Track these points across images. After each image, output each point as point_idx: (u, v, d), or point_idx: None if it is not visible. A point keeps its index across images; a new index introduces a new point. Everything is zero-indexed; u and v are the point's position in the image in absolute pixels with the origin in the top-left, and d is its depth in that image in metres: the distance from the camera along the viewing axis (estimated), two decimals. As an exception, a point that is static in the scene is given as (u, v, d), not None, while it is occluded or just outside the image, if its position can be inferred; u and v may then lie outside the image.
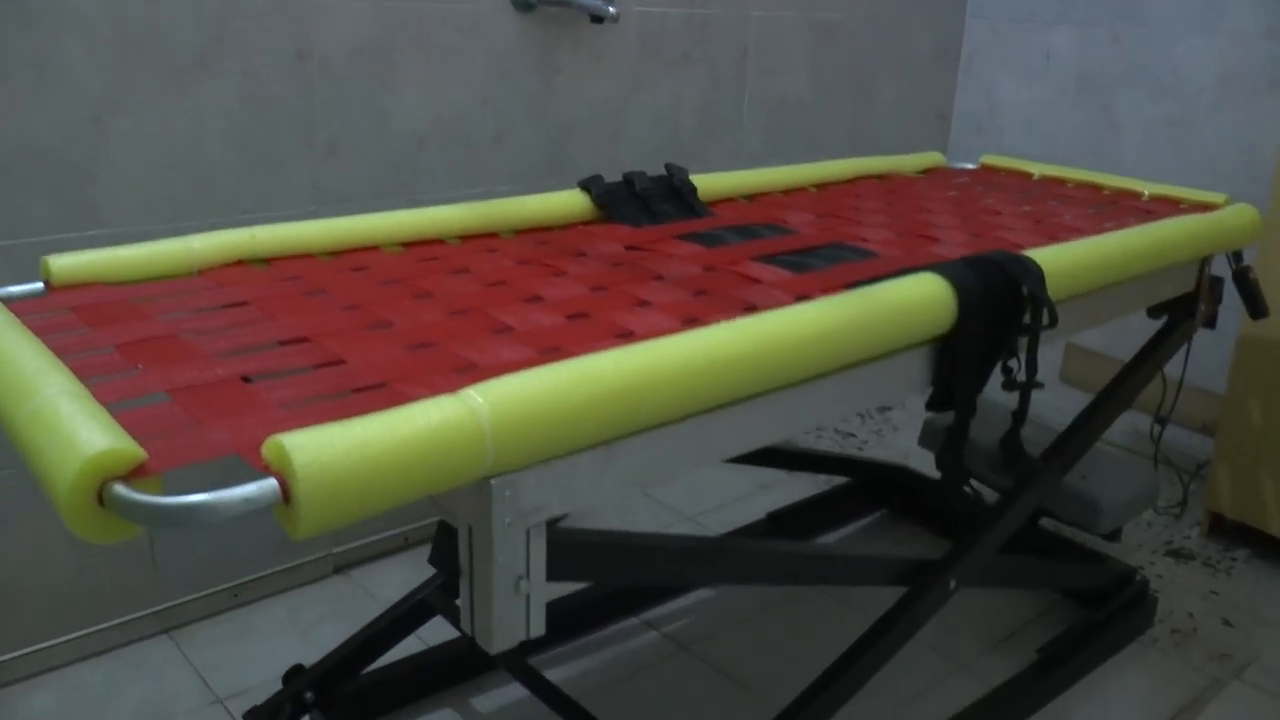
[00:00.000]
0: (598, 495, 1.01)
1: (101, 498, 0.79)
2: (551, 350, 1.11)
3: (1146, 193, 2.07)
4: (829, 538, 2.34)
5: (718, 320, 1.13)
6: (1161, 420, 2.78)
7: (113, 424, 0.85)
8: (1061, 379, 2.97)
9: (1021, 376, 1.40)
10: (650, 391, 0.99)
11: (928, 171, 2.25)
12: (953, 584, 1.55)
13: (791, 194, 1.96)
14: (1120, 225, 1.78)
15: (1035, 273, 1.38)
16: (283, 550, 2.10)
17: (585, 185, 1.73)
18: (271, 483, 0.81)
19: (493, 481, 0.93)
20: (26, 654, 1.84)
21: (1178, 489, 2.67)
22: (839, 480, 2.51)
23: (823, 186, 2.04)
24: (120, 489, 0.79)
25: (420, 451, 0.85)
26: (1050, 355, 3.00)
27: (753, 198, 1.92)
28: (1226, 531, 2.48)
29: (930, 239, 1.66)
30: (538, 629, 1.01)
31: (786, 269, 1.44)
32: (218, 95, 1.80)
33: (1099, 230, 1.73)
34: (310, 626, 2.02)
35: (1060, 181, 2.17)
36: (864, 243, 1.62)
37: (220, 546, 2.01)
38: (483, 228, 1.63)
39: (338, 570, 2.19)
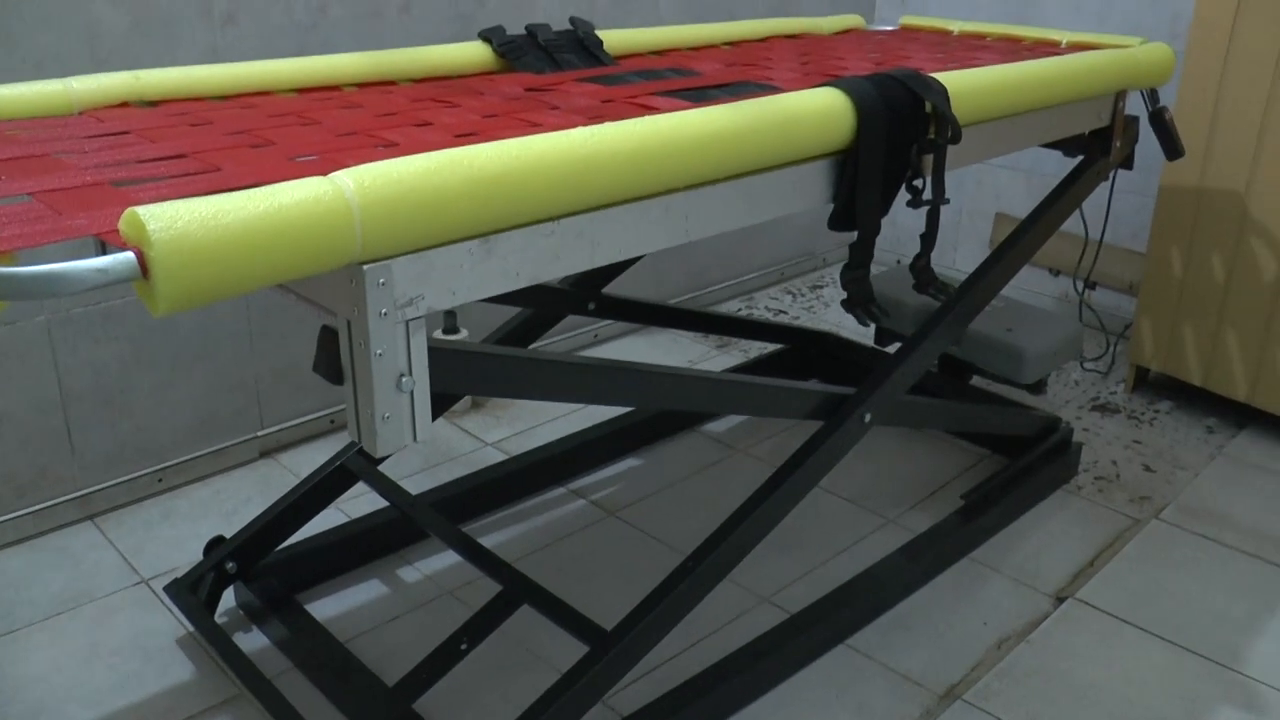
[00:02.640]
0: (477, 289, 0.99)
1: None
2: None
3: (1064, 41, 2.05)
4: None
5: None
6: (1088, 282, 2.81)
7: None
8: (991, 249, 2.98)
9: (929, 196, 1.39)
10: (527, 182, 0.97)
11: (845, 33, 2.22)
12: (867, 418, 1.55)
13: (702, 50, 1.93)
14: (1034, 65, 1.77)
15: (939, 89, 1.37)
16: (207, 434, 2.07)
17: (486, 36, 1.69)
18: (128, 254, 0.78)
19: (365, 268, 0.91)
20: (-59, 541, 1.81)
21: (1106, 349, 2.70)
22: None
23: (735, 44, 2.00)
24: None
25: (283, 226, 0.83)
26: (980, 226, 3.01)
27: (662, 53, 1.88)
28: (1151, 385, 2.51)
29: (838, 76, 1.63)
30: (425, 431, 1.00)
31: (687, 100, 1.42)
32: (103, -44, 1.74)
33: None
34: (236, 509, 2.00)
35: (980, 36, 2.15)
36: (769, 80, 1.60)
37: (143, 430, 1.97)
38: (379, 76, 1.59)
39: (263, 454, 2.16)
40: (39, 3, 1.69)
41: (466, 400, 2.34)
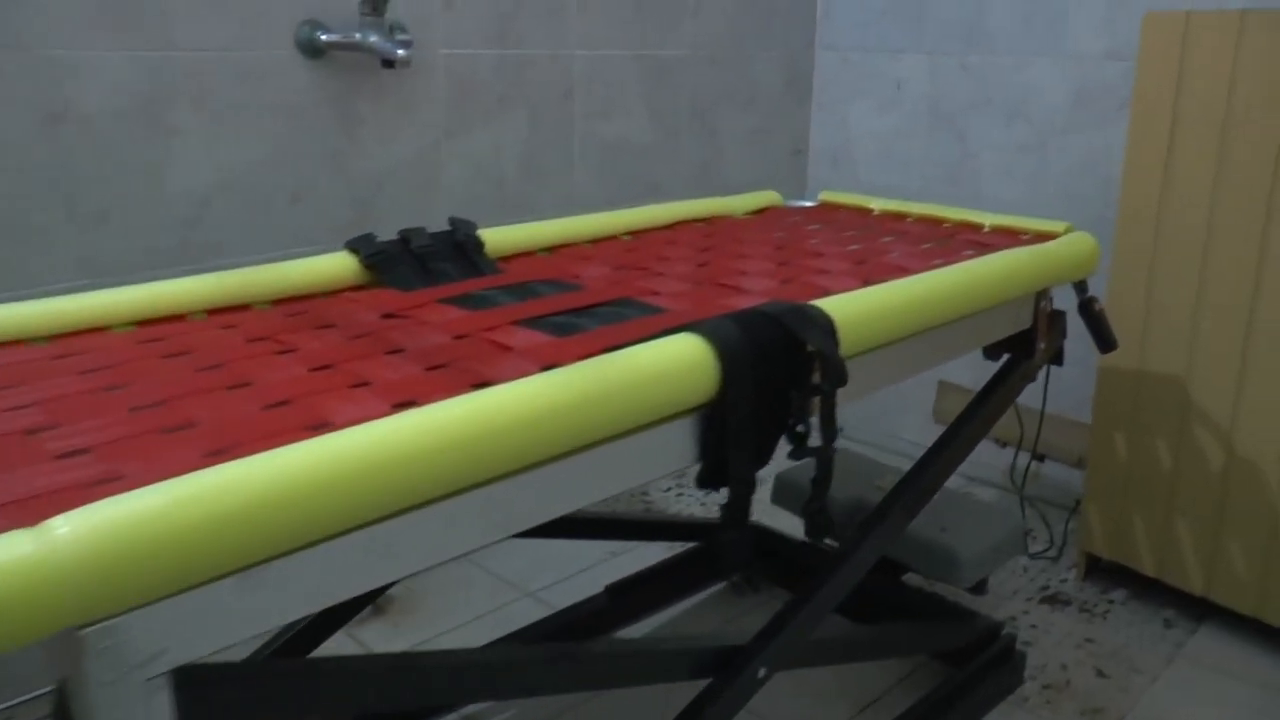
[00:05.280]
0: (243, 627, 0.84)
1: None
2: (216, 454, 0.95)
3: (988, 224, 1.96)
4: (676, 609, 2.18)
5: (437, 399, 0.98)
6: (1035, 455, 2.68)
7: None
8: (935, 418, 2.85)
9: (818, 440, 1.26)
10: (297, 505, 0.83)
11: (761, 212, 2.12)
12: (762, 673, 1.39)
13: (601, 243, 1.82)
14: (949, 261, 1.66)
15: (822, 324, 1.24)
16: None
17: (354, 246, 1.57)
18: None
19: (84, 632, 0.76)
20: None
21: (1056, 529, 2.55)
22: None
23: (638, 234, 1.90)
24: None
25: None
26: (923, 394, 2.88)
27: (555, 250, 1.77)
28: (1104, 572, 2.36)
29: (732, 289, 1.52)
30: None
31: (549, 332, 1.29)
32: (-52, 165, 1.62)
33: (926, 268, 1.61)
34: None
35: (900, 216, 2.06)
36: (655, 297, 1.48)
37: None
38: (230, 300, 1.46)
39: None
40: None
41: (367, 607, 2.17)
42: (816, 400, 1.24)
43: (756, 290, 1.50)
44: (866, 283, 1.53)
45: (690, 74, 2.57)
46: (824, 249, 1.76)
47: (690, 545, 2.29)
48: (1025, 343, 1.73)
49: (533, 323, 1.34)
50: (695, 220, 2.00)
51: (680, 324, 1.19)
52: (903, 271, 1.61)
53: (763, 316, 1.19)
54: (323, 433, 0.92)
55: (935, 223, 2.00)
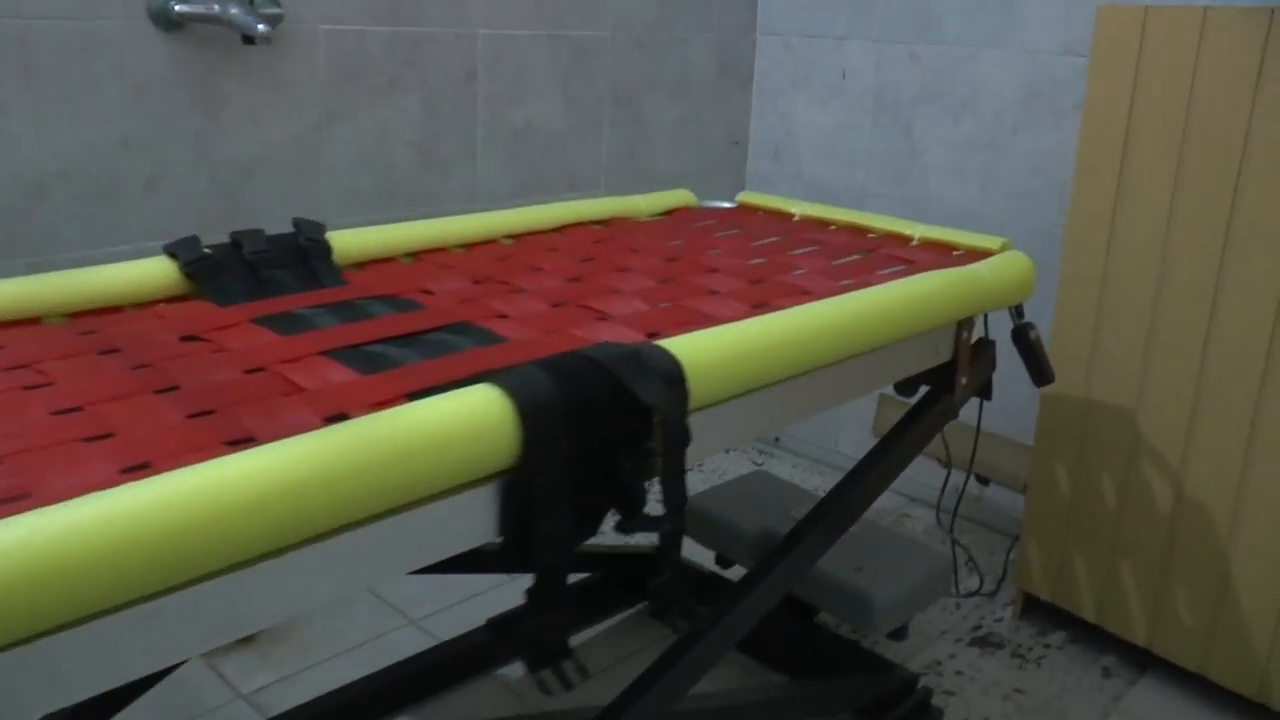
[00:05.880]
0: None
1: None
2: None
3: (917, 236, 1.76)
4: (576, 639, 2.00)
5: (185, 464, 0.79)
6: (980, 478, 2.49)
7: None
8: (874, 432, 2.66)
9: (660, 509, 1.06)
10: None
11: (671, 213, 1.92)
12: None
13: (475, 249, 1.62)
14: (861, 284, 1.46)
15: (664, 371, 1.04)
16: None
17: (173, 250, 1.37)
18: None
19: None
20: None
21: (996, 559, 2.37)
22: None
23: (521, 237, 1.70)
24: None
25: None
26: (863, 407, 2.69)
27: (419, 256, 1.57)
28: (1043, 611, 2.18)
29: (596, 314, 1.32)
30: None
31: (357, 367, 1.10)
32: None
33: (831, 291, 1.42)
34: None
35: (823, 224, 1.86)
36: (502, 321, 1.28)
37: None
38: (19, 312, 1.26)
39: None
40: None
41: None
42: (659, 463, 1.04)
43: (622, 315, 1.31)
44: (755, 308, 1.34)
45: (612, 57, 2.36)
46: (721, 263, 1.56)
47: (589, 575, 2.10)
48: (944, 376, 1.54)
49: (345, 353, 1.15)
50: (591, 222, 1.80)
51: (488, 368, 0.99)
52: (802, 295, 1.41)
53: (587, 363, 0.99)
54: (19, 508, 0.73)
55: (860, 232, 1.81)
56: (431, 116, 2.08)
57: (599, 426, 0.99)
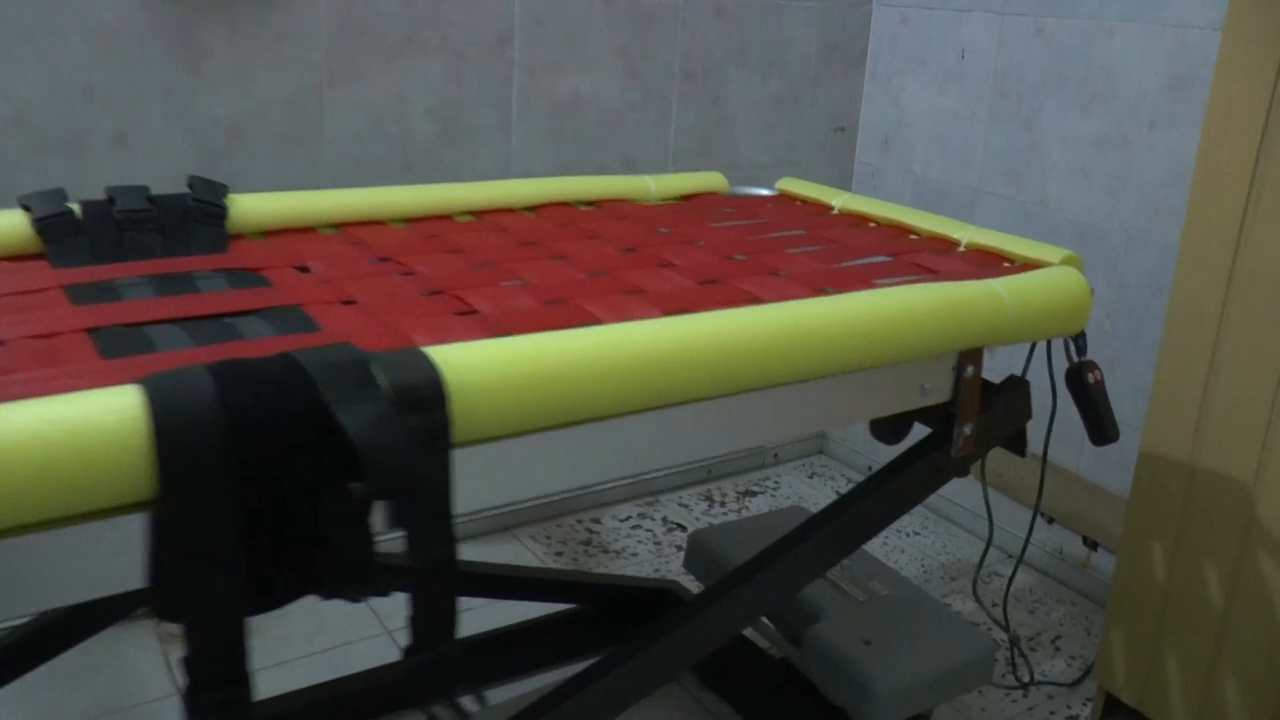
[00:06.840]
0: None
1: None
2: None
3: (965, 241, 1.42)
4: (549, 676, 1.75)
5: None
6: (1090, 544, 2.09)
7: None
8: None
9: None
10: None
11: (690, 198, 1.64)
12: None
13: (419, 223, 1.40)
14: (848, 289, 1.16)
15: (409, 387, 0.77)
16: None
17: (26, 203, 1.21)
18: None
19: None
20: None
21: (1090, 640, 1.96)
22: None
23: (483, 214, 1.46)
24: None
25: None
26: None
27: (344, 228, 1.36)
28: (1125, 717, 1.77)
29: (462, 306, 1.07)
30: None
31: (104, 349, 0.90)
32: None
33: (784, 297, 1.13)
34: None
35: (863, 219, 1.54)
36: (347, 308, 1.05)
37: None
38: None
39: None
40: None
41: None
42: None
43: (490, 314, 1.05)
44: (666, 313, 1.06)
45: (684, 25, 2.08)
46: (686, 258, 1.28)
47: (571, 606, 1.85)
48: (945, 423, 1.20)
49: (110, 333, 0.95)
50: (578, 203, 1.55)
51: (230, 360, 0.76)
52: (748, 301, 1.12)
53: (285, 367, 0.75)
54: None
55: (902, 232, 1.48)
56: (455, 82, 1.87)
57: (295, 454, 0.74)
